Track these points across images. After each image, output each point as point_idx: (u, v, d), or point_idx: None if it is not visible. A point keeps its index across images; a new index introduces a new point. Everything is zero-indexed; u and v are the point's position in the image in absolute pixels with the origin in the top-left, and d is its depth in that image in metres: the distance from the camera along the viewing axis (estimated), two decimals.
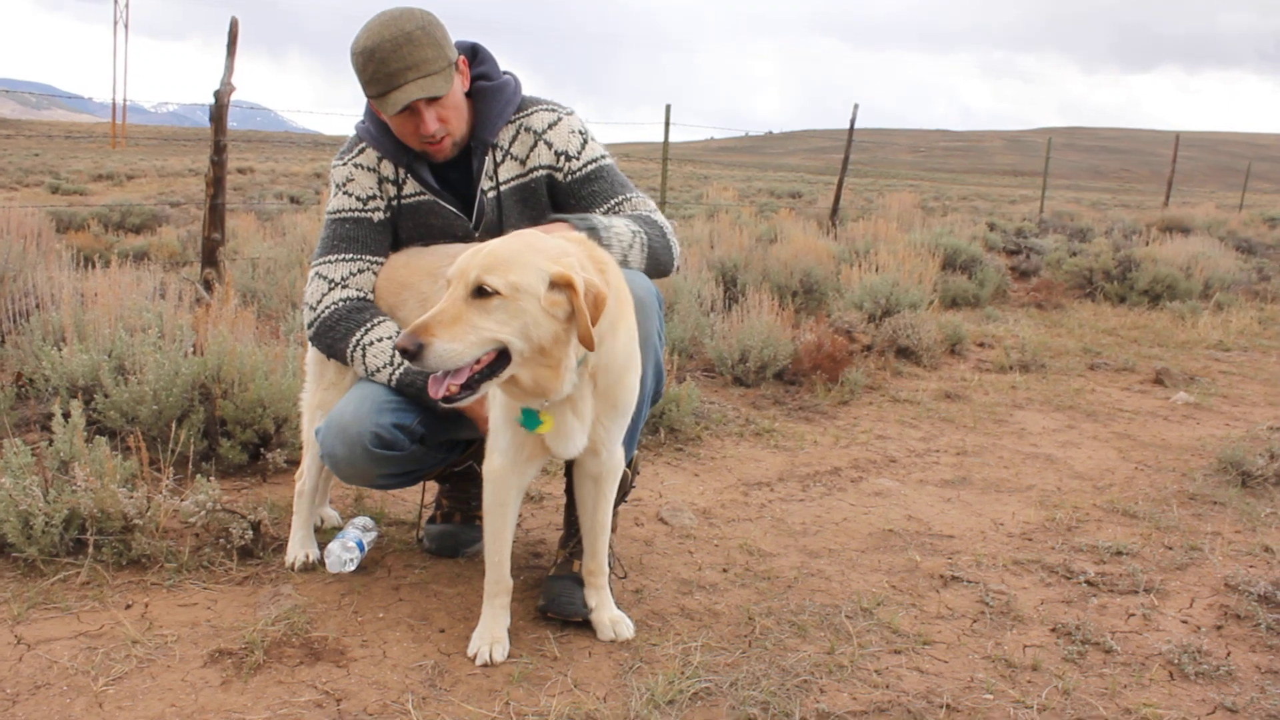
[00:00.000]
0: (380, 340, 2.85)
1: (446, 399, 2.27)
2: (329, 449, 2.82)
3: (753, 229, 10.81)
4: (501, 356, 2.29)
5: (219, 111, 6.04)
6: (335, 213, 3.01)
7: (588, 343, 2.27)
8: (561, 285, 2.26)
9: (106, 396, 3.82)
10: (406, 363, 2.34)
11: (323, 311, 2.94)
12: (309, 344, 3.07)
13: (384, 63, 2.70)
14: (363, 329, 2.87)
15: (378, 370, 2.85)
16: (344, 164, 3.02)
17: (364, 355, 2.86)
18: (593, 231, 2.66)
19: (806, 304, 8.13)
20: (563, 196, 3.02)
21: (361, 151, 3.01)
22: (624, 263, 2.76)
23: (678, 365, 5.62)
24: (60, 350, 4.06)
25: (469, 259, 2.28)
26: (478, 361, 2.26)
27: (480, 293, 2.24)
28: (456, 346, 2.21)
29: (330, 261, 2.97)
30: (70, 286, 4.80)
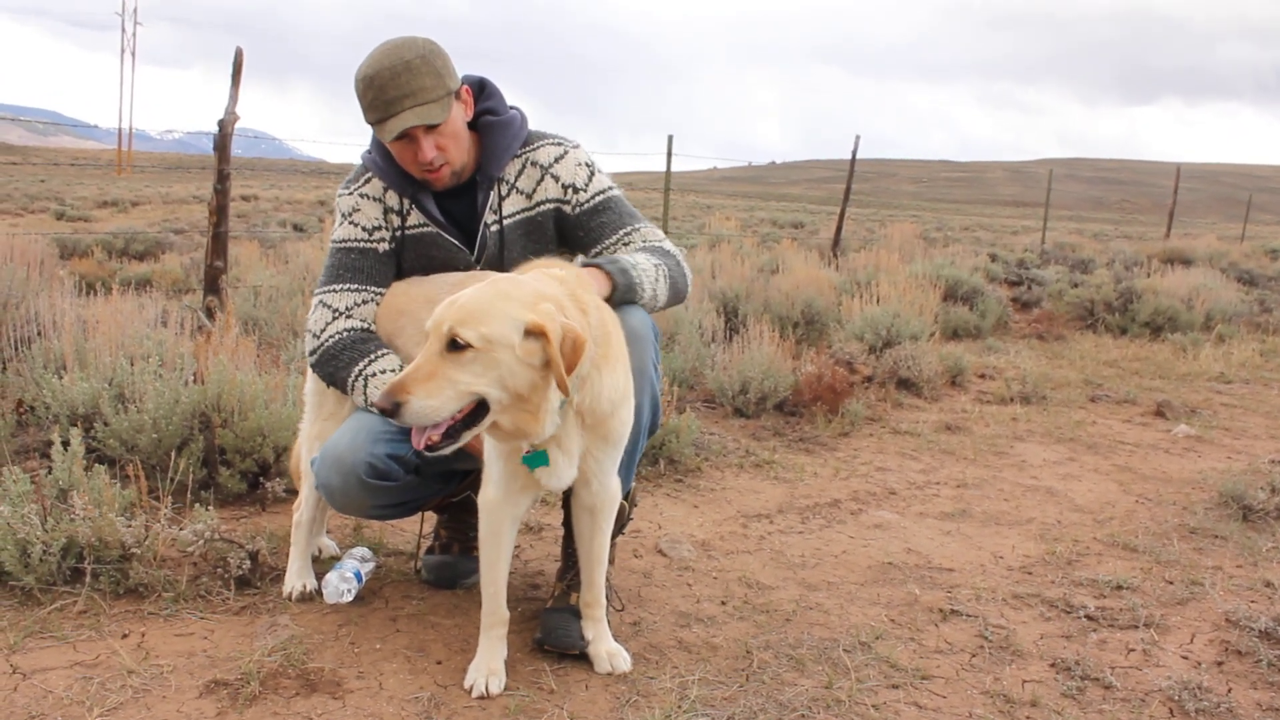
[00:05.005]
0: (383, 372, 2.85)
1: (429, 448, 2.31)
2: (324, 479, 2.84)
3: (755, 259, 10.84)
4: (481, 406, 2.31)
5: (223, 140, 6.09)
6: (341, 242, 3.04)
7: (564, 389, 2.28)
8: (536, 334, 2.27)
9: (106, 425, 3.82)
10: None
11: (326, 340, 2.96)
12: (308, 374, 3.09)
13: (382, 90, 2.76)
14: (366, 359, 2.89)
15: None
16: (350, 193, 3.05)
17: (365, 385, 2.87)
18: (623, 272, 2.74)
19: (807, 335, 8.13)
20: (571, 229, 3.05)
21: (367, 181, 3.04)
22: (653, 297, 2.84)
23: (678, 396, 5.61)
24: (61, 378, 4.07)
25: (443, 311, 2.30)
26: (460, 410, 2.29)
27: (455, 345, 2.26)
28: (433, 403, 2.24)
29: (335, 290, 3.00)
30: (72, 314, 4.81)
